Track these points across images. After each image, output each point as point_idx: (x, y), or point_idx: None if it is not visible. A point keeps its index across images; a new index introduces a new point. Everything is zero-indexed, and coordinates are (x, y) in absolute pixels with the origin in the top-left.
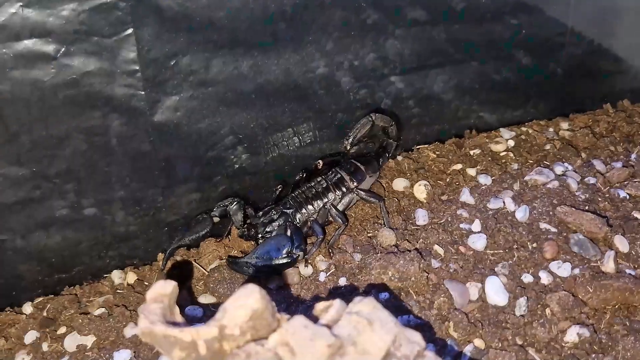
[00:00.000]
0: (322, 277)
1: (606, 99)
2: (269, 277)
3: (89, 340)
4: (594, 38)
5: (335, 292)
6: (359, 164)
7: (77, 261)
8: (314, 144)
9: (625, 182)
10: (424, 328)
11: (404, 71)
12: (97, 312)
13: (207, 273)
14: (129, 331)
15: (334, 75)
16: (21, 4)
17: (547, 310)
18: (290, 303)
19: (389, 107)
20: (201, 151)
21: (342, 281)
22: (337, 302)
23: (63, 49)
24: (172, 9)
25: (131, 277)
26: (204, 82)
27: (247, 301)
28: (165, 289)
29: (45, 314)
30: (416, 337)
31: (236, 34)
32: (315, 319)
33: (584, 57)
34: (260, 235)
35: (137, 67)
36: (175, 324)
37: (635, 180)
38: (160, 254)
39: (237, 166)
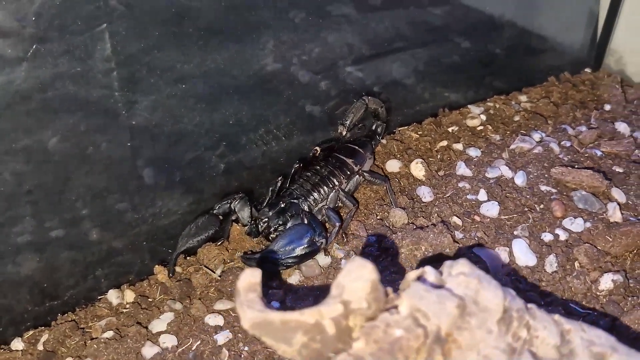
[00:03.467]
0: (344, 264)
1: (550, 73)
2: (290, 270)
3: None
4: (526, 20)
5: None
6: (357, 147)
7: (64, 286)
8: (293, 136)
9: (597, 142)
10: None
11: (357, 61)
12: (105, 335)
13: (218, 278)
14: (147, 351)
15: (288, 70)
16: None
17: (577, 264)
18: (317, 295)
19: (355, 94)
20: (182, 152)
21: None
22: (428, 268)
23: (32, 50)
24: None
25: (129, 296)
26: (181, 79)
27: (362, 273)
28: (254, 276)
29: (41, 347)
30: (513, 292)
31: (212, 24)
32: None
33: (519, 37)
34: (272, 229)
35: (113, 66)
36: None
37: (605, 139)
38: (157, 265)
39: (223, 165)
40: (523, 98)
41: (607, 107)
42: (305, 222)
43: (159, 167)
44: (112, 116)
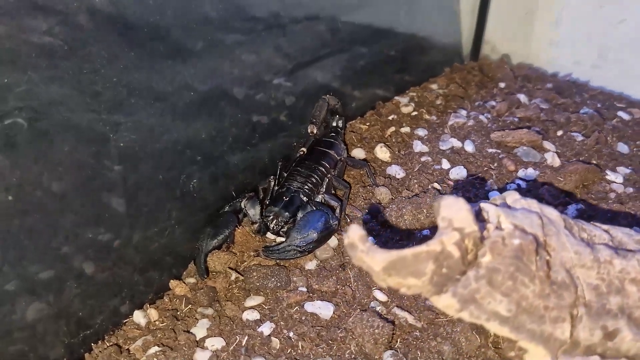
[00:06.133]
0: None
1: (444, 64)
2: (303, 259)
3: None
4: (413, 25)
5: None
6: (332, 140)
7: (90, 319)
8: (274, 139)
9: (511, 111)
10: None
11: (281, 74)
12: (151, 351)
13: (241, 277)
14: (200, 356)
15: (222, 86)
16: None
17: (544, 202)
18: (339, 272)
19: (294, 102)
20: (165, 170)
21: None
22: (483, 203)
23: (26, 77)
24: (118, 17)
25: (154, 314)
26: (157, 97)
27: (459, 205)
28: (360, 229)
29: None
30: None
31: (177, 42)
32: None
33: (410, 40)
34: (284, 223)
35: (99, 88)
36: None
37: (515, 108)
38: (172, 280)
39: (207, 179)
40: (434, 86)
41: (502, 84)
42: (314, 208)
43: (147, 187)
44: (102, 140)
